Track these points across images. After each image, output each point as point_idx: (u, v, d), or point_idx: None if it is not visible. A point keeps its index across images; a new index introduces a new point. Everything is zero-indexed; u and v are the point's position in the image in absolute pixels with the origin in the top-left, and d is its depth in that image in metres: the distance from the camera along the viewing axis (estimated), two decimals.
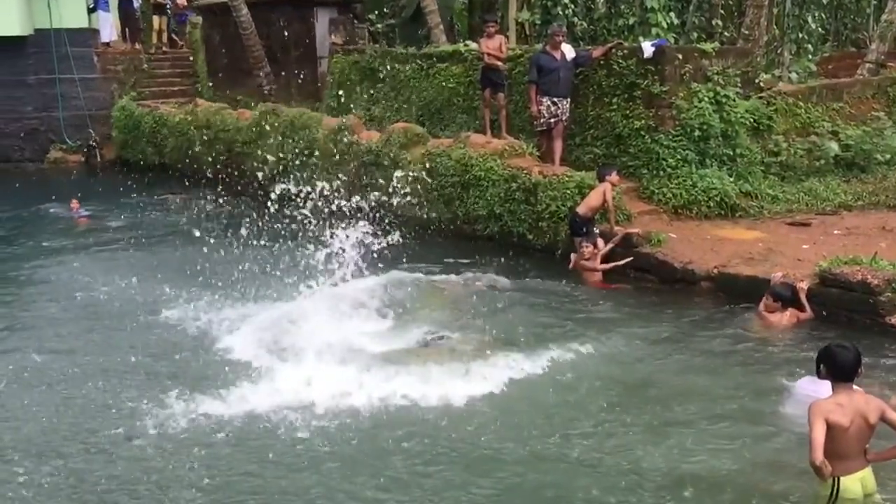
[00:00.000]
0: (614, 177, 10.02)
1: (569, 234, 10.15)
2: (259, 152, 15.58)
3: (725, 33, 16.15)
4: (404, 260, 9.92)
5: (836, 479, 4.33)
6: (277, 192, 9.46)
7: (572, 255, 9.93)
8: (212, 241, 12.47)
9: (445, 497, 5.20)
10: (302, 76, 19.76)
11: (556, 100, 11.25)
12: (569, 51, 11.43)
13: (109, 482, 5.48)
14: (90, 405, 6.64)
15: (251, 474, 5.53)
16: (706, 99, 11.09)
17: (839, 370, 4.39)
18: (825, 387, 5.05)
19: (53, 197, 15.96)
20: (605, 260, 9.68)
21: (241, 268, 9.53)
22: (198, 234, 10.00)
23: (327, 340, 7.53)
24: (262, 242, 11.16)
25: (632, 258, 9.53)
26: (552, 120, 11.32)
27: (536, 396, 6.57)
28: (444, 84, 14.31)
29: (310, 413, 6.30)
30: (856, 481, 4.38)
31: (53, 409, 6.60)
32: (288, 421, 6.17)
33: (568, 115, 11.43)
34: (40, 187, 18.72)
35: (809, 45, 16.68)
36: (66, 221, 14.40)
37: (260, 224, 10.10)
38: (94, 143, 20.77)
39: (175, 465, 5.62)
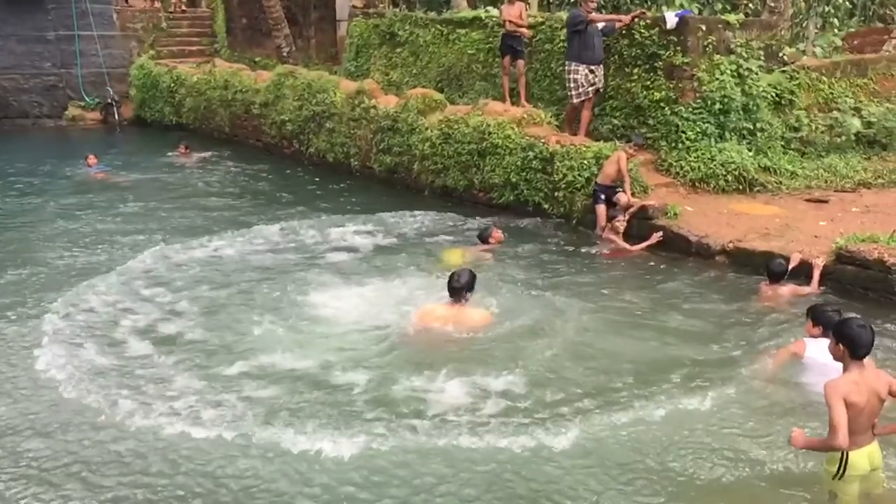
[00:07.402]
0: (628, 147, 9.95)
1: (587, 203, 10.13)
2: (276, 114, 15.61)
3: (750, 5, 15.88)
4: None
5: (844, 453, 4.34)
6: None
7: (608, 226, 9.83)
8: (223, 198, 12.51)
9: None
10: (321, 39, 19.67)
11: (593, 67, 11.15)
12: None
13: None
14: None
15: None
16: (728, 71, 10.94)
17: (857, 349, 4.38)
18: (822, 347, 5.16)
19: (70, 153, 16.01)
20: (624, 232, 9.64)
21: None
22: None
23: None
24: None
25: (661, 234, 9.42)
26: (590, 89, 11.23)
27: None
28: (463, 50, 14.20)
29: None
30: (863, 456, 4.39)
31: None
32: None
33: (603, 81, 11.36)
34: (58, 144, 18.80)
35: (835, 20, 16.40)
36: (82, 177, 14.48)
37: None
38: (112, 101, 20.82)
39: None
